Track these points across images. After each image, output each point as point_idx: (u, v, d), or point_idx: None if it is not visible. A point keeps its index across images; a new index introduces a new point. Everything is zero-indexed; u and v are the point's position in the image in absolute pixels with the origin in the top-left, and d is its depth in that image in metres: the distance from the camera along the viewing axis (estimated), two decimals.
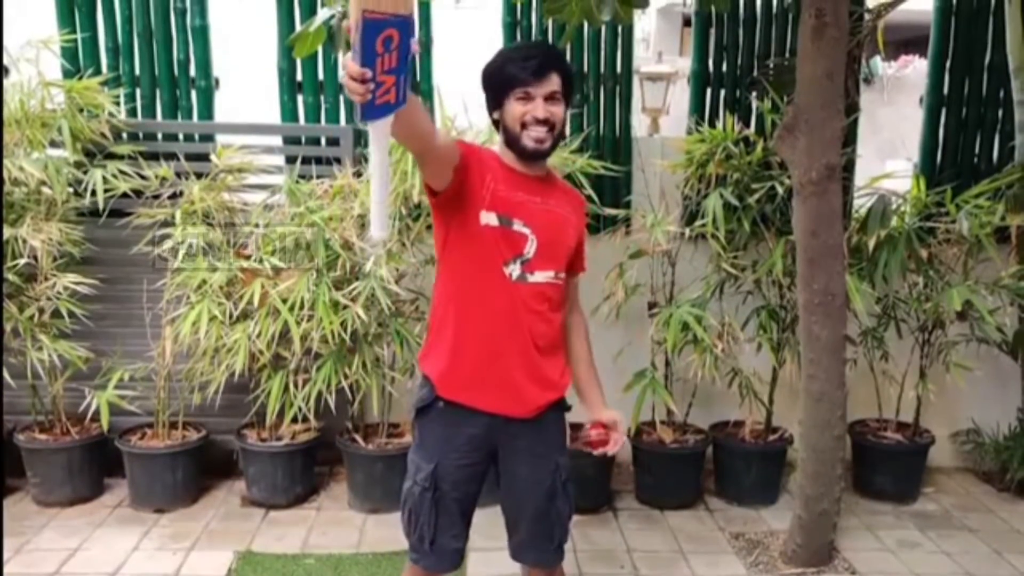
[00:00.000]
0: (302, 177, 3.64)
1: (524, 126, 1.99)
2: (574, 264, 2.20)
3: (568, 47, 3.91)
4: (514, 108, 2.00)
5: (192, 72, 3.90)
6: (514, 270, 2.03)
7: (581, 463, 3.58)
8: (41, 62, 3.51)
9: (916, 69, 9.62)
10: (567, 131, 3.91)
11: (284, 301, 3.28)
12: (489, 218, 2.00)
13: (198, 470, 3.66)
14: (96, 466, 3.66)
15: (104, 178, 3.49)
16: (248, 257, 3.46)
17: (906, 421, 3.92)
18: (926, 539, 3.49)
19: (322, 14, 2.25)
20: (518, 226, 2.03)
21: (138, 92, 3.89)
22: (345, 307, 3.31)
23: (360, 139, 3.90)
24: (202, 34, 3.87)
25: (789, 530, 3.26)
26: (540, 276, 2.05)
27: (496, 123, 2.09)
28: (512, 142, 2.04)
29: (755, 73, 4.01)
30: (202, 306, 3.32)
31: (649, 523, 3.59)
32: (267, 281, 3.32)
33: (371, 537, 3.36)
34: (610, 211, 3.66)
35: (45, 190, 3.48)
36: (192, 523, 3.46)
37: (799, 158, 2.89)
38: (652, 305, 3.73)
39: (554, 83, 1.99)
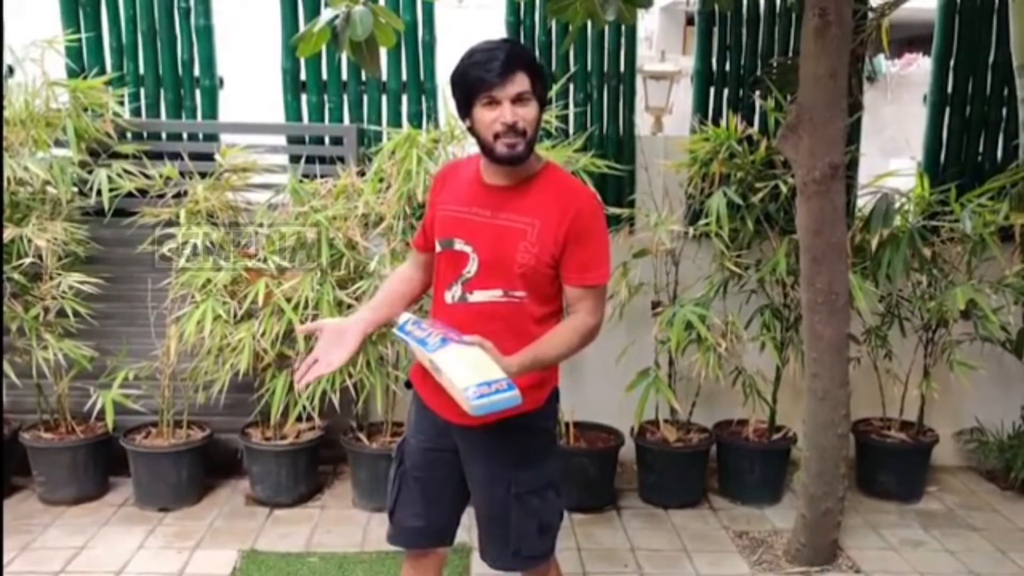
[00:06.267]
0: (306, 176, 3.65)
1: (496, 136, 1.90)
2: (565, 275, 1.99)
3: (571, 46, 3.92)
4: (482, 116, 1.91)
5: (196, 72, 3.90)
6: (456, 291, 2.01)
7: (584, 462, 3.62)
8: (46, 62, 3.51)
9: (920, 67, 9.61)
10: (570, 129, 3.94)
11: (288, 300, 3.29)
12: (438, 244, 2.05)
13: (202, 469, 3.68)
14: (101, 465, 3.67)
15: (109, 177, 3.49)
16: (252, 256, 3.46)
17: (910, 420, 3.91)
18: (930, 538, 3.49)
19: (326, 14, 2.25)
20: (459, 245, 2.00)
21: (142, 92, 3.89)
22: (349, 306, 3.32)
23: (363, 139, 3.91)
24: (206, 34, 3.88)
25: (793, 529, 3.26)
26: (483, 295, 1.98)
27: (470, 130, 2.00)
28: (486, 151, 1.95)
29: (758, 72, 4.00)
30: (206, 305, 3.33)
31: (653, 522, 3.59)
32: (271, 280, 3.33)
33: (375, 536, 3.36)
34: (614, 210, 3.66)
35: (50, 190, 3.49)
36: (196, 522, 3.47)
37: (802, 157, 2.89)
38: (656, 304, 3.73)
39: (521, 83, 1.88)
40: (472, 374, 1.77)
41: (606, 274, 2.04)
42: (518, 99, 1.90)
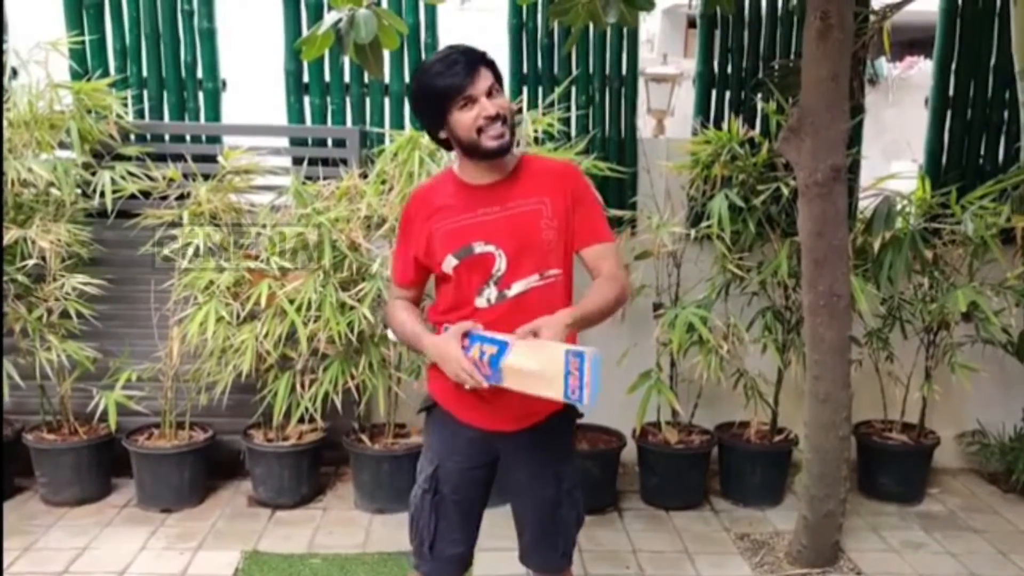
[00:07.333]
0: (308, 178, 3.65)
1: (480, 131, 1.93)
2: (579, 239, 2.05)
3: (573, 49, 3.93)
4: (462, 118, 1.94)
5: (199, 74, 3.92)
6: (490, 294, 2.00)
7: (587, 464, 3.62)
8: (50, 64, 3.52)
9: (921, 70, 9.60)
10: (572, 132, 3.94)
11: (291, 302, 3.30)
12: (449, 262, 2.02)
13: (205, 470, 3.68)
14: (103, 466, 3.68)
15: (112, 179, 3.51)
16: (255, 258, 3.47)
17: (911, 422, 3.92)
18: (931, 540, 3.49)
19: (330, 17, 2.26)
20: (480, 248, 1.99)
21: (146, 94, 3.91)
22: (352, 308, 3.32)
23: (366, 141, 3.92)
24: (209, 36, 3.89)
25: (794, 531, 3.26)
26: (521, 285, 2.00)
27: (444, 143, 2.03)
28: (472, 151, 1.98)
29: (760, 75, 4.01)
30: (209, 307, 3.34)
31: (654, 524, 3.59)
32: (274, 282, 3.34)
33: (377, 537, 3.37)
34: (616, 212, 3.66)
35: (54, 191, 3.50)
36: (199, 523, 3.47)
37: (804, 160, 2.90)
38: (657, 306, 3.74)
39: (487, 77, 1.95)
40: (551, 376, 1.76)
41: (611, 231, 2.13)
42: (490, 92, 1.95)
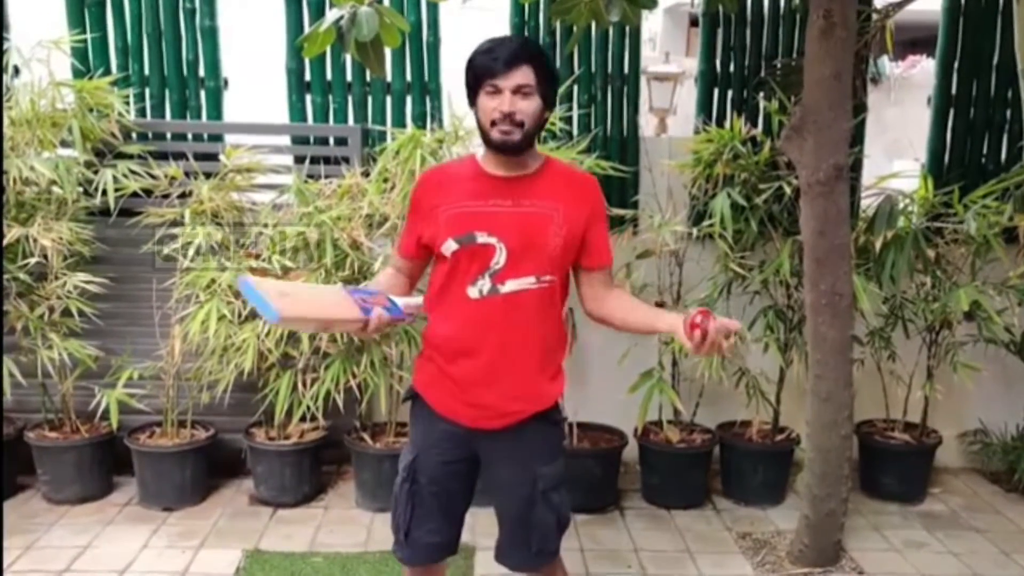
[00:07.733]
0: (310, 177, 3.65)
1: (493, 123, 1.95)
2: (585, 258, 2.09)
3: (576, 48, 3.93)
4: (484, 103, 1.96)
5: (201, 72, 3.92)
6: (483, 285, 2.00)
7: (588, 463, 3.62)
8: (52, 62, 3.52)
9: (923, 69, 9.58)
10: (574, 131, 3.94)
11: None
12: (449, 246, 2.02)
13: (206, 469, 3.68)
14: (105, 464, 3.68)
15: (114, 178, 3.51)
16: (257, 257, 3.47)
17: (913, 421, 3.91)
18: (933, 539, 3.49)
19: (332, 14, 2.25)
20: (482, 238, 1.99)
21: (147, 92, 3.90)
22: None
23: (367, 139, 3.92)
24: (211, 34, 3.89)
25: (796, 530, 3.26)
26: (515, 284, 2.00)
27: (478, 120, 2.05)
28: (484, 137, 2.01)
29: (762, 73, 4.01)
30: (211, 305, 3.34)
31: (656, 523, 3.59)
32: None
33: (378, 536, 3.37)
34: (617, 211, 3.65)
35: (55, 190, 3.49)
36: (200, 521, 3.48)
37: (806, 158, 2.89)
38: (659, 305, 3.74)
39: (524, 76, 1.93)
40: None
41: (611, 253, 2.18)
42: (519, 91, 1.94)
